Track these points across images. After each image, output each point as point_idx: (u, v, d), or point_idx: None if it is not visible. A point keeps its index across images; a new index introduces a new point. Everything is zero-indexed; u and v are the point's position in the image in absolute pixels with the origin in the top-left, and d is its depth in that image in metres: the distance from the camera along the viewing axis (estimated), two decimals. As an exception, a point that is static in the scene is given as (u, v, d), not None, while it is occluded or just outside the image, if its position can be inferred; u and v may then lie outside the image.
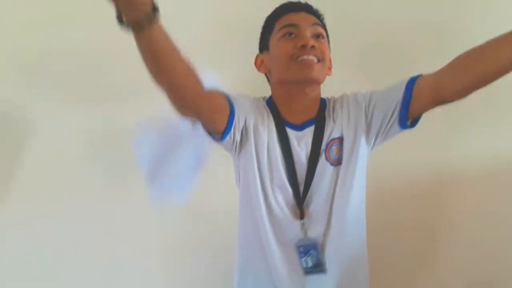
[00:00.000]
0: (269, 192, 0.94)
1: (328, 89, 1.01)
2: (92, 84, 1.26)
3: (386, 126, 0.94)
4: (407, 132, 0.94)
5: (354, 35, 1.30)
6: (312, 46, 0.93)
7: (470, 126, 1.31)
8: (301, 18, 0.97)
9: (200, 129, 0.91)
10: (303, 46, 0.92)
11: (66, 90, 1.26)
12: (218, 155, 1.25)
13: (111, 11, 0.64)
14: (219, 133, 0.90)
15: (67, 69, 1.24)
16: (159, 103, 0.82)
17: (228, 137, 0.91)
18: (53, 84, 1.25)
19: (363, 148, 0.96)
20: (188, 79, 0.77)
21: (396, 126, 0.93)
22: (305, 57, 0.93)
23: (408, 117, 0.91)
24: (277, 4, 1.03)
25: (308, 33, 0.95)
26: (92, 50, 1.25)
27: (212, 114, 0.87)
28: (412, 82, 0.90)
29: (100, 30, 1.15)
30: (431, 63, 0.89)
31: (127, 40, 0.67)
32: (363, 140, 0.95)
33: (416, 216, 1.37)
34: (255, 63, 1.05)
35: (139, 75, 0.76)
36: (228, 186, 1.21)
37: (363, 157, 0.96)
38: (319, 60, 0.94)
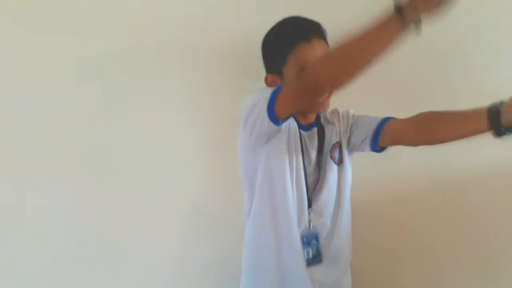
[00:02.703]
0: (293, 178, 1.02)
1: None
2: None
3: (360, 146, 1.12)
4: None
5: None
6: None
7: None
8: (316, 53, 0.98)
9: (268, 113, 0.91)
10: None
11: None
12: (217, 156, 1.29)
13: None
14: (282, 119, 0.93)
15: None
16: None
17: (283, 124, 0.96)
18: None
19: (347, 152, 1.13)
20: None
21: (368, 148, 1.10)
22: (321, 97, 1.01)
23: (378, 145, 1.07)
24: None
25: None
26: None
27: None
28: (383, 123, 1.06)
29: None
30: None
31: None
32: (346, 146, 1.13)
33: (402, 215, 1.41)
34: (265, 81, 1.10)
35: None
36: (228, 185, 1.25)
37: (348, 159, 1.13)
38: (330, 93, 1.03)
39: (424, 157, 1.28)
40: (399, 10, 0.70)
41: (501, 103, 0.84)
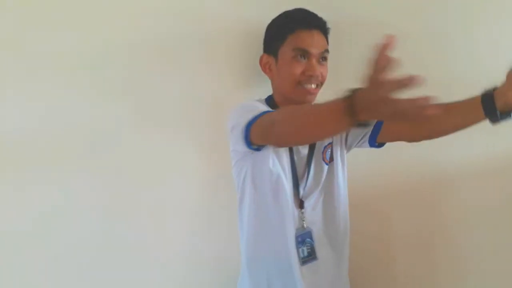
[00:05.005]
0: (283, 178, 1.03)
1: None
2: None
3: (358, 143, 1.12)
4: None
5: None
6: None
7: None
8: (314, 42, 1.04)
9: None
10: (310, 76, 1.03)
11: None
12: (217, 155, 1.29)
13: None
14: (260, 146, 0.97)
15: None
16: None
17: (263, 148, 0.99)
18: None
19: (344, 150, 1.13)
20: None
21: (367, 145, 1.11)
22: (309, 86, 1.04)
23: (376, 141, 1.08)
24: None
25: (317, 61, 1.04)
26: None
27: None
28: (381, 121, 1.03)
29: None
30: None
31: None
32: (343, 145, 1.13)
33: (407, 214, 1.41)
34: (260, 61, 1.14)
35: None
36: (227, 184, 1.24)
37: (344, 157, 1.14)
38: (318, 85, 1.06)
39: (421, 152, 1.28)
40: (351, 107, 0.65)
41: (494, 88, 0.84)
